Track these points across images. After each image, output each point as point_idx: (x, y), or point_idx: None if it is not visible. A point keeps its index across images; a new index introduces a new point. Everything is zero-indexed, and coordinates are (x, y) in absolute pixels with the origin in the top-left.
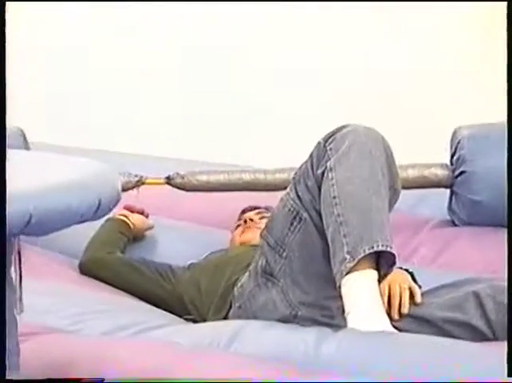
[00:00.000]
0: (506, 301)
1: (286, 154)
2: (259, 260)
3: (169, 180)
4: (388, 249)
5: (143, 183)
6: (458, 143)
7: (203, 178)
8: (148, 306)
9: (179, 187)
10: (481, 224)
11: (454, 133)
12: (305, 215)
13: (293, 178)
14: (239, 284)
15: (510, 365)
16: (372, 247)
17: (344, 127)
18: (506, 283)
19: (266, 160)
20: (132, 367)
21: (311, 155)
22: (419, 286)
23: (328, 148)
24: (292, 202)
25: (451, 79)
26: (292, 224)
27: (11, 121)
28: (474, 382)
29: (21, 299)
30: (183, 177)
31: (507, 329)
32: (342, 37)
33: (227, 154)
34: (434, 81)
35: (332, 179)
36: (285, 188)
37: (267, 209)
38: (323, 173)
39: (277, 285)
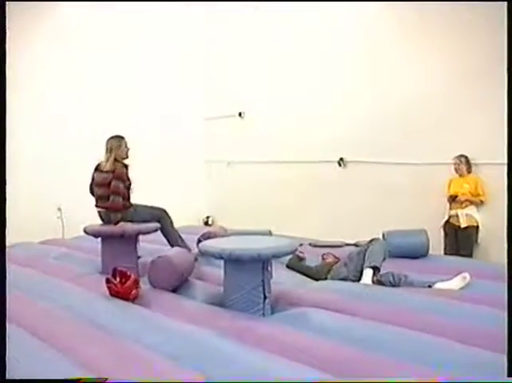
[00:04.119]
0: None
1: None
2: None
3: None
4: (378, 266)
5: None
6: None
7: None
8: None
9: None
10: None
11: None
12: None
13: (357, 252)
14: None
15: (510, 365)
16: (375, 263)
17: (377, 238)
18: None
19: None
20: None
21: (367, 243)
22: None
23: (372, 243)
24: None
25: None
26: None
27: None
28: (474, 382)
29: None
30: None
31: (507, 329)
32: None
33: None
34: None
35: (369, 247)
36: None
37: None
38: (368, 246)
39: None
